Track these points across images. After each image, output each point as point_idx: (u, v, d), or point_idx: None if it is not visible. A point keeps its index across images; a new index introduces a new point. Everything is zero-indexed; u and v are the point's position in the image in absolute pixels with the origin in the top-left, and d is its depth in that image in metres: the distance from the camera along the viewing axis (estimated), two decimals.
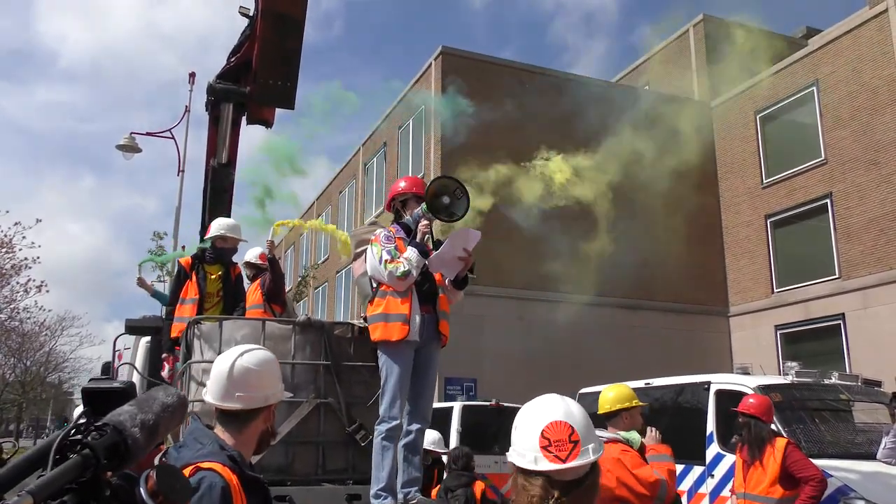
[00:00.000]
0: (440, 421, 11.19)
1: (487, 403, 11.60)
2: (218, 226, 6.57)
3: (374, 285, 4.59)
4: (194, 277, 6.40)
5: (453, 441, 10.75)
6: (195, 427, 2.26)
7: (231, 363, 2.36)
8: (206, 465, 2.09)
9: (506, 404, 11.23)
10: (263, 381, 2.35)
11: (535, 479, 1.71)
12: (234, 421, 2.32)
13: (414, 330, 4.43)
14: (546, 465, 1.70)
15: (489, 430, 11.10)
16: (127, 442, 1.22)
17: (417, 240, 4.53)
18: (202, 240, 7.64)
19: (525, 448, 1.76)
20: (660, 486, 3.97)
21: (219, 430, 2.31)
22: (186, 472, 2.09)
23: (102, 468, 1.19)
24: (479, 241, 4.52)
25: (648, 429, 4.28)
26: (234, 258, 6.94)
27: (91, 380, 1.63)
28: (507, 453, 1.84)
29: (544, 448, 1.72)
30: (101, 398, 1.36)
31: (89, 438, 1.20)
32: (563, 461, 1.70)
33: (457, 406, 11.49)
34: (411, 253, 4.45)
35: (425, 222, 4.54)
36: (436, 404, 12.99)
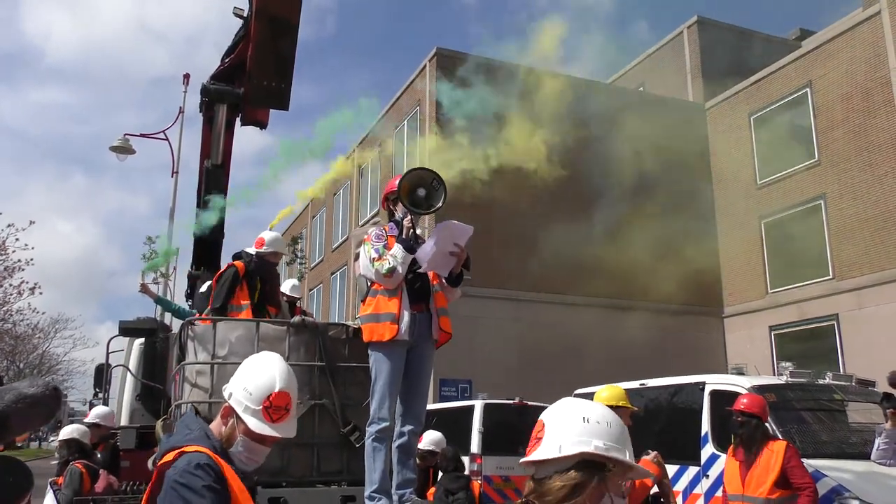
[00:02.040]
0: (461, 420, 10.85)
1: (511, 402, 11.03)
2: (273, 241, 6.31)
3: (369, 285, 4.55)
4: (245, 286, 6.08)
5: (475, 442, 10.39)
6: (187, 415, 2.25)
7: (260, 356, 2.38)
8: (191, 448, 2.06)
9: (530, 403, 10.76)
10: (241, 379, 2.26)
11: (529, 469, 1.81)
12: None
13: (403, 329, 4.36)
14: (525, 458, 1.80)
15: (513, 429, 10.33)
16: None
17: (403, 236, 4.48)
18: (198, 240, 7.62)
19: None
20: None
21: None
22: (171, 455, 2.07)
23: None
24: (471, 235, 4.43)
25: (655, 453, 4.86)
26: None
27: None
28: None
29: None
30: None
31: None
32: (527, 455, 1.78)
33: (478, 404, 10.92)
34: (397, 249, 4.39)
35: (409, 217, 4.51)
36: (456, 403, 12.88)
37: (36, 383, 1.31)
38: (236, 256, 6.25)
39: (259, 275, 6.21)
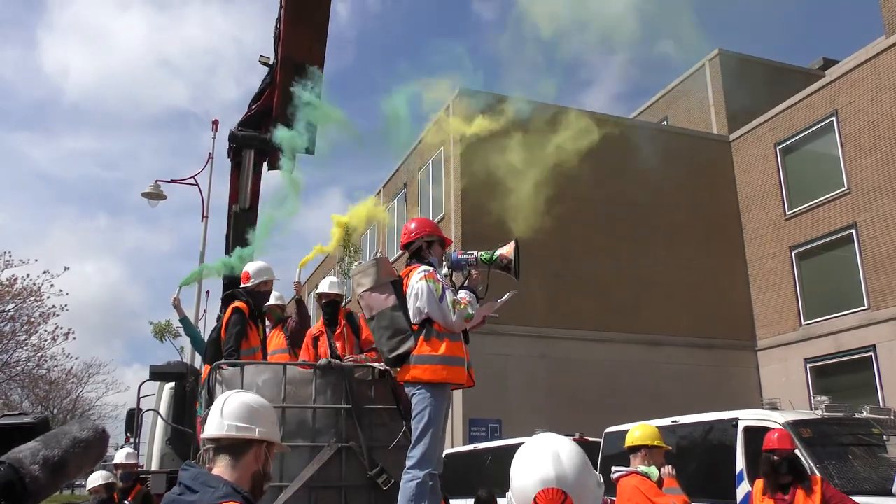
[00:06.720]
0: None
1: (570, 438, 10.97)
2: (257, 271, 6.10)
3: (417, 321, 4.48)
4: (253, 326, 5.97)
5: None
6: (200, 472, 2.21)
7: (225, 398, 2.40)
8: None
9: (590, 439, 10.60)
10: (255, 417, 2.36)
11: None
12: (228, 455, 2.29)
13: (469, 375, 4.54)
14: None
15: None
16: (24, 481, 1.15)
17: (468, 284, 4.64)
18: (227, 284, 7.71)
19: None
20: None
21: (216, 470, 2.27)
22: None
23: None
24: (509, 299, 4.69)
25: (668, 466, 4.71)
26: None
27: (3, 415, 1.52)
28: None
29: None
30: (8, 435, 1.27)
31: None
32: None
33: None
34: (470, 297, 4.53)
35: (476, 272, 4.67)
36: (512, 440, 12.64)
37: (86, 426, 1.33)
38: (231, 297, 6.09)
39: (260, 310, 6.15)
